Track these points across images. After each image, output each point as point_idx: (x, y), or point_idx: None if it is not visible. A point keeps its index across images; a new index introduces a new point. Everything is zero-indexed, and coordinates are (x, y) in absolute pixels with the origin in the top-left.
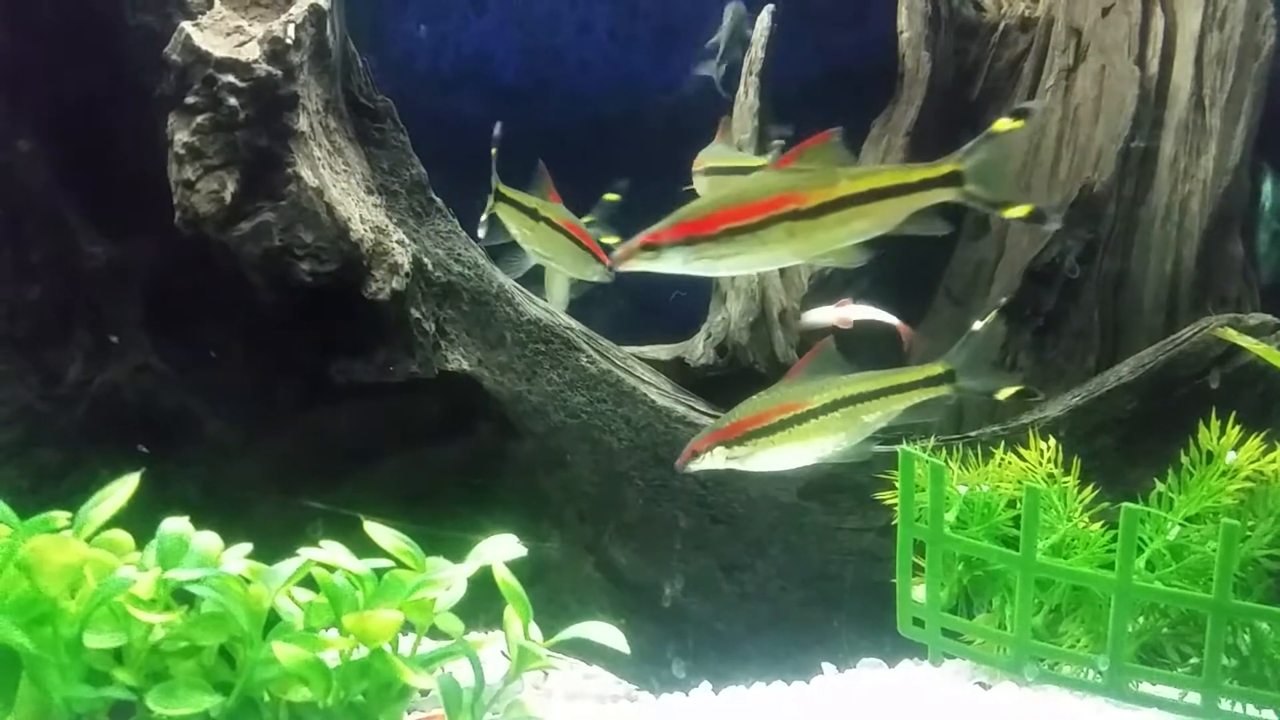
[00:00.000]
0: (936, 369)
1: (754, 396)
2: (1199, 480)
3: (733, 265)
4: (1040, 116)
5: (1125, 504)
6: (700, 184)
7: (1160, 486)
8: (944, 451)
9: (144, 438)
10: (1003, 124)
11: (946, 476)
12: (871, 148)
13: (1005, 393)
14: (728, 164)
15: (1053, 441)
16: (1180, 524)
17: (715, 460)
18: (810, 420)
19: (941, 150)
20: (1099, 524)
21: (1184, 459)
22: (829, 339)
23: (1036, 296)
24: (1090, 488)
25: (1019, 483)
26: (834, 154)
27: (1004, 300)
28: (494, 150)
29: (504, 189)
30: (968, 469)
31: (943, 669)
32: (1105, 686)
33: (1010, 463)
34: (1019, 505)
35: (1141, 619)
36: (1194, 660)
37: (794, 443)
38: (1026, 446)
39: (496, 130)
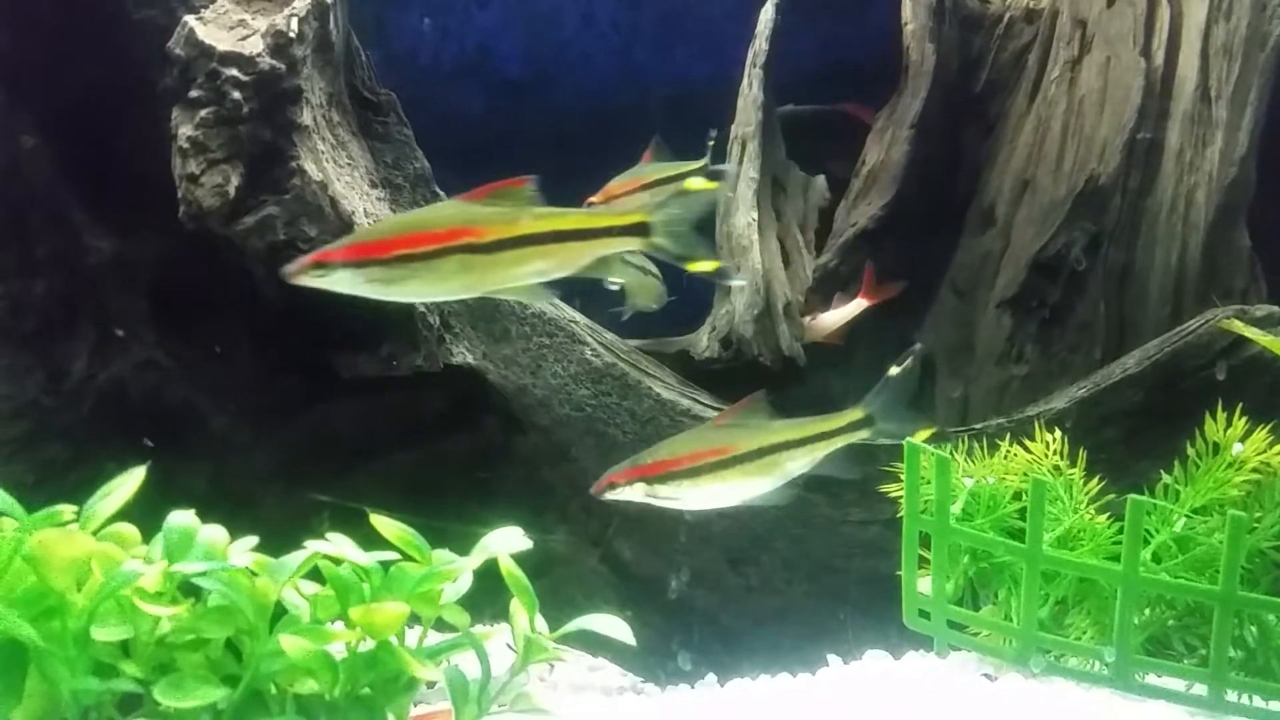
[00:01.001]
0: (856, 414)
1: (681, 435)
2: (1205, 472)
3: (403, 291)
4: (733, 180)
5: (1132, 496)
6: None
7: (1166, 478)
8: (949, 444)
9: (149, 432)
10: (695, 183)
11: (952, 469)
12: (876, 140)
13: (920, 435)
14: (655, 178)
15: (1058, 433)
16: (1187, 516)
17: (633, 494)
18: (735, 466)
19: (946, 142)
20: (1105, 516)
21: (1190, 451)
22: (760, 392)
23: (1041, 289)
24: (1096, 479)
25: (1025, 475)
26: (525, 200)
27: (917, 346)
28: None
29: None
30: (973, 461)
31: (948, 661)
32: (1111, 678)
33: (1016, 455)
34: (1025, 497)
35: (1148, 611)
36: (1200, 652)
37: (716, 486)
38: (1032, 438)
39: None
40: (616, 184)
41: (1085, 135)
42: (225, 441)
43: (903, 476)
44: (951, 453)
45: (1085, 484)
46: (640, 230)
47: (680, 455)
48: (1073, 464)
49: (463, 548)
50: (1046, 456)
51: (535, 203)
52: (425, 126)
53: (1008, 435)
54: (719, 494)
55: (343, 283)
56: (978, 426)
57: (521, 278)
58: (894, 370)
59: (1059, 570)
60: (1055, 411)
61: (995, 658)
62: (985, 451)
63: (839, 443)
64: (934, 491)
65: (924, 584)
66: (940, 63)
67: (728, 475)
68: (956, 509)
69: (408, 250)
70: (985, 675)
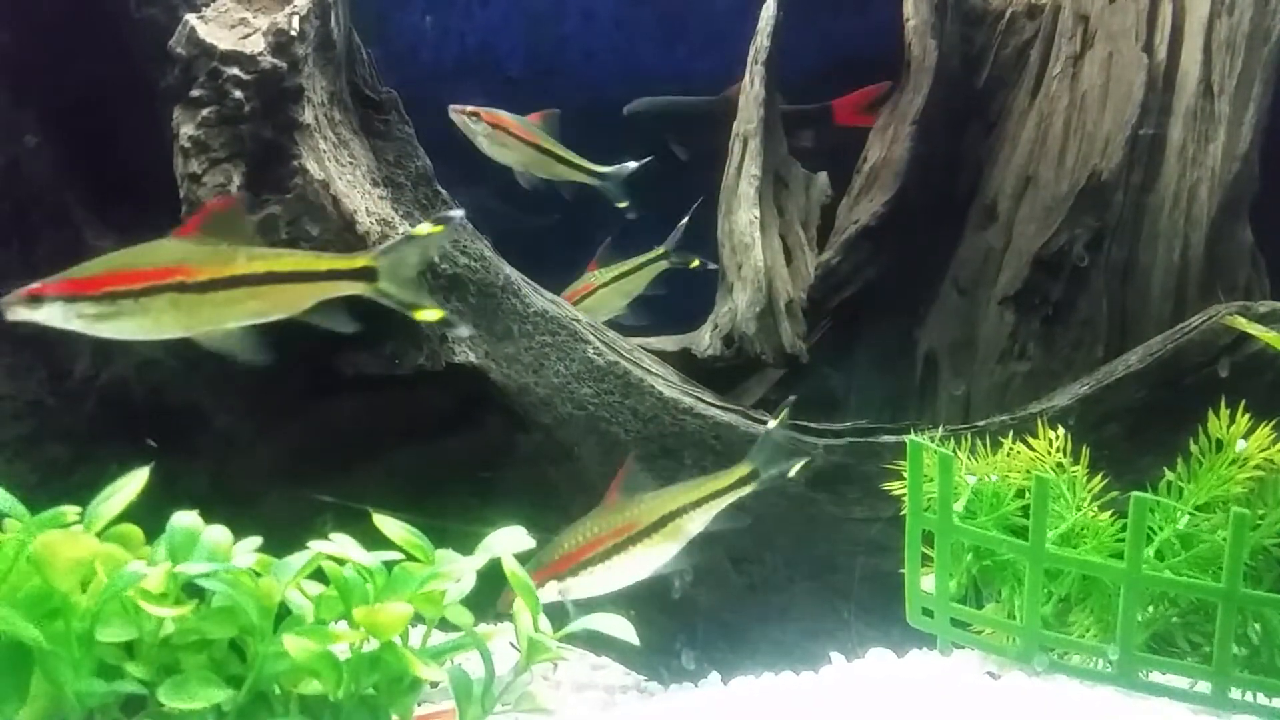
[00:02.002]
0: (743, 470)
1: (574, 524)
2: (1209, 469)
3: (115, 329)
4: (458, 225)
5: (1135, 493)
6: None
7: (1170, 475)
8: (952, 441)
9: (152, 432)
10: (422, 229)
11: (955, 466)
12: (878, 137)
13: (795, 470)
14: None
15: (1061, 430)
16: (1190, 513)
17: (546, 595)
18: (641, 540)
19: (949, 138)
20: (1108, 513)
21: (1193, 447)
22: (630, 456)
23: (1044, 285)
24: (1099, 477)
25: (1028, 472)
26: (237, 220)
27: (792, 398)
28: None
29: None
30: (976, 459)
31: (952, 659)
32: (1115, 676)
33: (1019, 452)
34: (1028, 495)
35: (1151, 608)
36: (1204, 649)
37: (625, 563)
38: (1035, 435)
39: None
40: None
41: (1088, 131)
42: (228, 440)
43: (905, 474)
44: (954, 450)
45: (1088, 481)
46: (366, 275)
47: (583, 544)
48: (1075, 461)
49: (465, 546)
50: (1049, 454)
51: (245, 223)
52: (426, 124)
53: (1010, 432)
54: (629, 571)
55: (55, 318)
56: (980, 424)
57: (235, 318)
58: (771, 424)
59: (1062, 568)
60: (1058, 408)
61: (999, 656)
62: (988, 449)
63: (731, 498)
64: (937, 489)
65: (927, 582)
66: (942, 59)
67: (635, 551)
68: (960, 507)
69: (119, 287)
70: (989, 673)
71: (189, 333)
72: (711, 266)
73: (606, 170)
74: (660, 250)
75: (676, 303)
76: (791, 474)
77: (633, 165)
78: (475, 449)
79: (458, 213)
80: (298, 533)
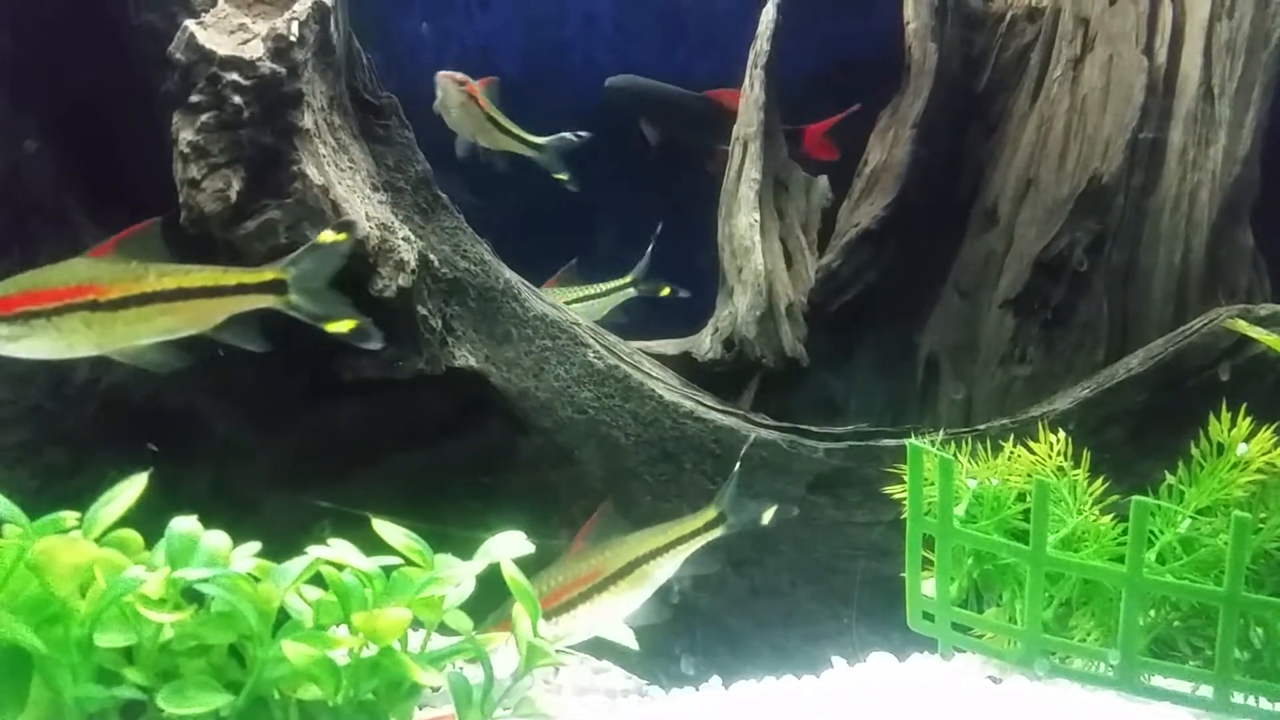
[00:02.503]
0: (710, 514)
1: (544, 571)
2: (1210, 472)
3: (30, 348)
4: (359, 232)
5: (1136, 497)
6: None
7: (1171, 479)
8: (953, 445)
9: (152, 437)
10: (327, 236)
11: (955, 470)
12: (878, 140)
13: (767, 516)
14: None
15: (1062, 434)
16: (1191, 517)
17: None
18: (609, 587)
19: (949, 141)
20: (1109, 517)
21: (1195, 451)
22: (606, 502)
23: (1045, 289)
24: (1100, 480)
25: (1028, 476)
26: (153, 241)
27: (752, 438)
28: None
29: None
30: (976, 462)
31: (953, 663)
32: (1117, 680)
33: (1019, 456)
34: (1028, 499)
35: (1153, 612)
36: (1206, 653)
37: (596, 611)
38: (1036, 439)
39: None
40: None
41: (1088, 134)
42: (227, 446)
43: (906, 478)
44: (955, 454)
45: (1089, 485)
46: (276, 288)
47: (555, 588)
48: (1076, 465)
49: (465, 551)
50: (1050, 457)
51: (159, 247)
52: (425, 129)
53: (1011, 436)
54: (600, 617)
55: None
56: (981, 427)
57: (148, 335)
58: (737, 469)
59: (1063, 572)
60: (1059, 412)
61: (1000, 660)
62: (989, 452)
63: (698, 543)
64: (938, 493)
65: (928, 586)
66: (942, 62)
67: (605, 598)
68: (960, 511)
69: (31, 307)
70: (990, 677)
71: (102, 350)
72: (683, 294)
73: (543, 141)
74: (627, 279)
75: (676, 306)
76: (764, 520)
77: (570, 136)
78: (475, 453)
79: (360, 221)
80: (297, 538)
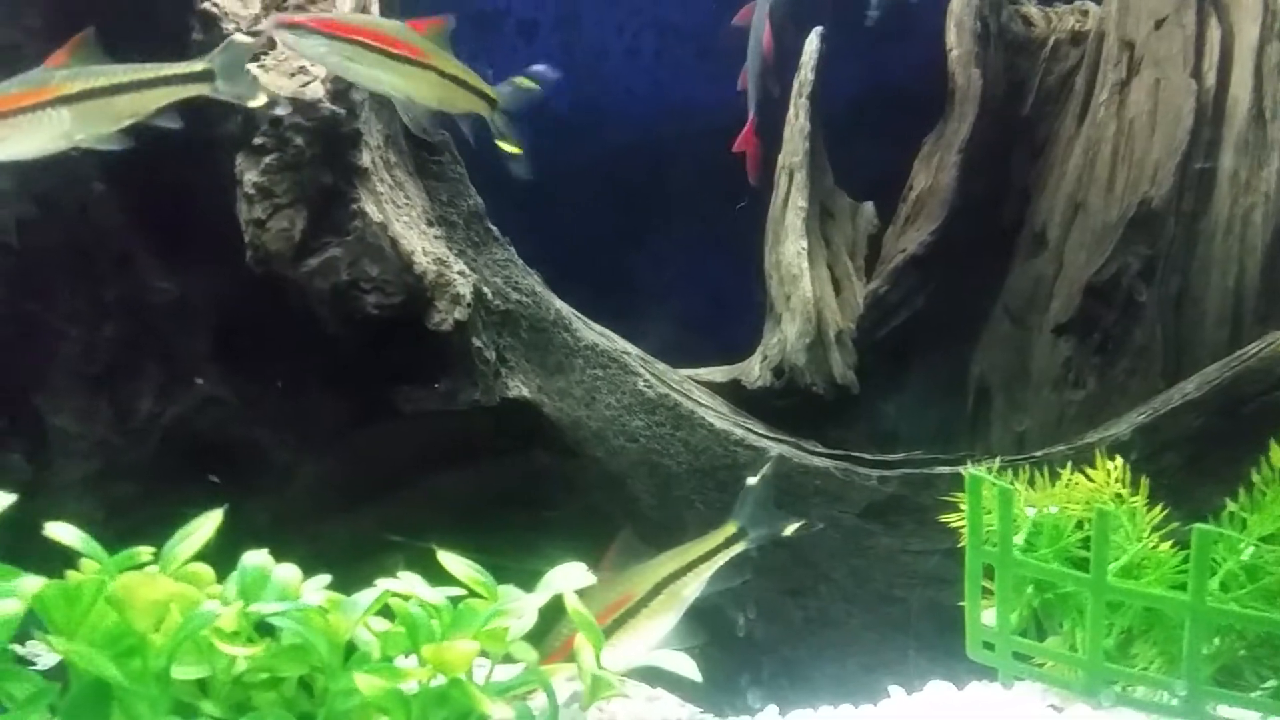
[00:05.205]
0: (730, 529)
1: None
2: (1272, 499)
3: (6, 151)
4: (268, 35)
5: (1198, 525)
6: None
7: (1232, 505)
8: (1010, 473)
9: (214, 468)
10: (240, 37)
11: (1015, 499)
12: (923, 165)
13: (789, 530)
14: None
15: (1120, 460)
16: (1254, 544)
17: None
18: (640, 611)
19: (995, 166)
20: (1169, 544)
21: (1255, 477)
22: (627, 530)
23: (1097, 313)
24: (1159, 506)
25: (1087, 503)
26: (95, 50)
27: (775, 454)
28: None
29: None
30: (1034, 490)
31: (1013, 691)
32: (1182, 710)
33: (1077, 483)
34: (1087, 526)
35: (1217, 641)
36: (1272, 683)
37: (627, 639)
38: (1092, 465)
39: None
40: None
41: (1136, 158)
42: (288, 477)
43: (964, 506)
44: (1012, 482)
45: (1147, 511)
46: (204, 77)
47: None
48: (1135, 491)
49: (517, 579)
50: (1108, 484)
51: (100, 55)
52: (476, 163)
53: (1069, 463)
54: (634, 643)
55: None
56: (1039, 454)
57: (111, 122)
58: (752, 481)
59: (1124, 600)
60: (1116, 438)
61: (1062, 689)
62: (1046, 480)
63: (721, 559)
64: (997, 523)
65: (988, 615)
66: (986, 87)
67: (636, 624)
68: (1019, 539)
69: (11, 107)
70: (1052, 706)
71: (71, 142)
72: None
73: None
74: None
75: (724, 334)
76: (786, 533)
77: (530, 84)
78: (529, 482)
79: (267, 23)
80: (354, 564)
